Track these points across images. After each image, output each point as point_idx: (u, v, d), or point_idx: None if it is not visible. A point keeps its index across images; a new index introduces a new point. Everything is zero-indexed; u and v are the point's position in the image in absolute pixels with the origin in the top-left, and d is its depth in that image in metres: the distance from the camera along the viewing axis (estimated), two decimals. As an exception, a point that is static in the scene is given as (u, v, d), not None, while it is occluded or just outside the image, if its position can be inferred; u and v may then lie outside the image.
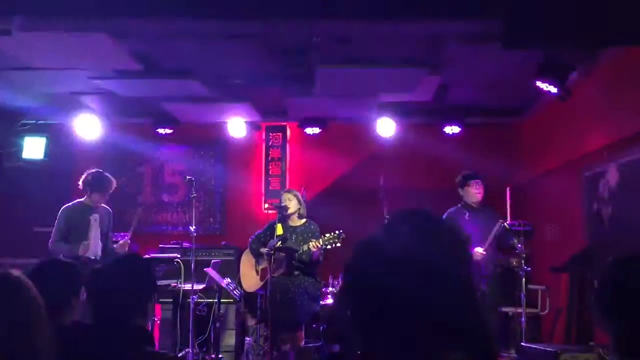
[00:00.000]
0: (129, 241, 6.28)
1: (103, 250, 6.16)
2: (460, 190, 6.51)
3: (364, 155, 8.36)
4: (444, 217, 6.26)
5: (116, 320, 2.48)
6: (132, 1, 4.13)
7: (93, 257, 6.00)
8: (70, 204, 6.19)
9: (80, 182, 6.20)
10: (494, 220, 6.27)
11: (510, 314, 6.40)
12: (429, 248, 1.10)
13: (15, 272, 1.70)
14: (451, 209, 6.44)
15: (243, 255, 6.76)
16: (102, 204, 6.28)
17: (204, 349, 6.78)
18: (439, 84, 6.59)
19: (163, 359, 2.61)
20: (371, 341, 1.11)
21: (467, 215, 6.30)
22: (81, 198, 6.21)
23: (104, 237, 6.20)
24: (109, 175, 6.30)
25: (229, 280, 6.36)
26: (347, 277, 1.18)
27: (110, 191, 6.29)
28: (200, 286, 6.57)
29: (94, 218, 6.13)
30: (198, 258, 6.56)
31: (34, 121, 8.31)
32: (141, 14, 4.24)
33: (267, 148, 8.69)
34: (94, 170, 6.25)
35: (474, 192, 6.40)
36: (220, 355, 6.15)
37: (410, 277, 1.07)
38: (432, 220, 1.16)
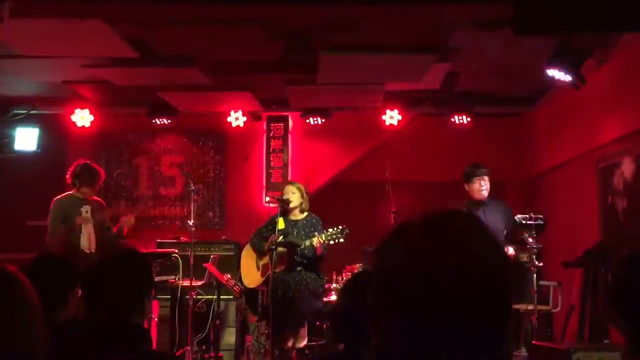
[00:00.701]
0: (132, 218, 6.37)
1: (99, 244, 6.17)
2: (465, 186, 6.50)
3: (369, 147, 8.36)
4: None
5: (112, 318, 2.49)
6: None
7: (88, 251, 6.02)
8: (61, 195, 6.21)
9: (68, 175, 6.21)
10: (503, 214, 6.25)
11: (521, 311, 6.40)
12: (474, 253, 1.10)
13: (11, 267, 1.71)
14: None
15: (244, 251, 6.77)
16: (94, 196, 6.30)
17: (203, 348, 6.79)
18: (448, 72, 6.58)
19: (161, 358, 2.62)
20: (391, 338, 1.11)
21: (479, 211, 6.24)
22: (71, 191, 6.24)
23: (99, 231, 6.22)
24: (96, 166, 6.31)
25: (229, 276, 6.37)
26: (377, 268, 1.17)
27: (100, 183, 6.31)
28: (199, 282, 6.59)
29: (86, 210, 6.15)
30: (197, 253, 6.58)
31: (26, 111, 8.31)
32: (137, -2, 4.25)
33: (269, 139, 8.69)
34: (81, 162, 6.27)
35: (478, 189, 6.35)
36: (220, 354, 6.18)
37: (445, 279, 1.07)
38: (480, 226, 1.17)
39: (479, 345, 1.08)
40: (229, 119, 8.19)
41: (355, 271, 6.86)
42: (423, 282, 1.08)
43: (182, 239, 7.50)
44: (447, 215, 1.17)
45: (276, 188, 7.81)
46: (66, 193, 6.24)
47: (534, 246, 5.88)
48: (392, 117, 7.86)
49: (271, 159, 8.67)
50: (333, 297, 6.77)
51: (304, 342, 6.34)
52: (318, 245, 6.06)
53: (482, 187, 6.32)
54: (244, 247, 6.82)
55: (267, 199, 8.47)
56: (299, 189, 6.43)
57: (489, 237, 1.15)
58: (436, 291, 1.07)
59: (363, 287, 2.55)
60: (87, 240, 6.07)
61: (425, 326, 1.07)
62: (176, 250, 7.00)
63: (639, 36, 5.21)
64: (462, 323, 1.06)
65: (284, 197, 6.36)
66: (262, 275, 6.45)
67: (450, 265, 1.07)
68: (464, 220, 1.17)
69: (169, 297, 7.03)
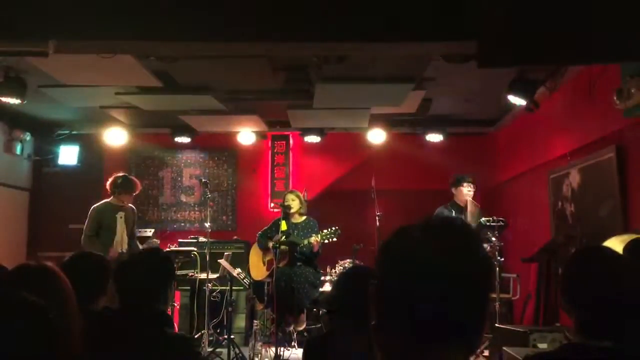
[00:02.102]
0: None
1: (129, 244, 6.16)
2: (453, 189, 6.53)
3: (357, 161, 8.36)
4: (435, 213, 6.29)
5: (140, 305, 2.48)
6: (154, 27, 4.13)
7: (120, 250, 6.00)
8: (98, 203, 6.18)
9: (108, 185, 6.19)
10: (476, 217, 6.29)
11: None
12: (461, 256, 1.05)
13: (49, 263, 1.73)
14: (440, 208, 6.49)
15: (252, 249, 6.77)
16: (128, 204, 6.29)
17: (218, 331, 6.77)
18: (423, 98, 6.59)
19: (181, 339, 2.61)
20: (386, 329, 1.08)
21: (453, 213, 6.34)
22: (108, 199, 6.22)
23: (130, 232, 6.21)
24: (134, 178, 6.31)
25: (239, 270, 6.36)
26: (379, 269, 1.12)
27: (136, 192, 6.30)
28: (215, 275, 6.57)
29: (120, 215, 6.14)
30: (212, 251, 6.56)
31: (68, 132, 8.32)
32: (161, 38, 4.24)
33: (273, 154, 8.69)
34: (121, 174, 6.27)
35: (466, 193, 6.45)
36: (232, 336, 6.15)
37: (438, 278, 1.03)
38: (469, 231, 1.13)
39: (463, 344, 1.06)
40: (239, 138, 8.20)
41: (346, 266, 6.86)
42: (422, 287, 1.03)
43: (200, 239, 7.48)
44: (447, 225, 1.12)
45: (279, 196, 7.80)
46: (103, 201, 6.22)
47: (497, 244, 5.89)
48: (376, 135, 7.87)
49: (275, 171, 8.67)
50: (327, 288, 6.76)
51: (303, 326, 6.33)
52: (315, 243, 6.06)
53: (470, 191, 6.40)
54: (252, 245, 6.81)
55: (272, 204, 8.46)
56: (298, 196, 6.43)
57: (480, 250, 1.10)
58: (429, 287, 1.04)
59: (352, 280, 2.55)
60: (119, 241, 6.06)
61: (415, 316, 1.04)
62: (195, 249, 6.99)
63: (583, 69, 5.25)
64: (451, 327, 1.03)
65: (286, 203, 6.36)
66: (267, 270, 6.44)
67: (444, 270, 1.03)
68: (461, 230, 1.11)
69: (189, 288, 7.02)
